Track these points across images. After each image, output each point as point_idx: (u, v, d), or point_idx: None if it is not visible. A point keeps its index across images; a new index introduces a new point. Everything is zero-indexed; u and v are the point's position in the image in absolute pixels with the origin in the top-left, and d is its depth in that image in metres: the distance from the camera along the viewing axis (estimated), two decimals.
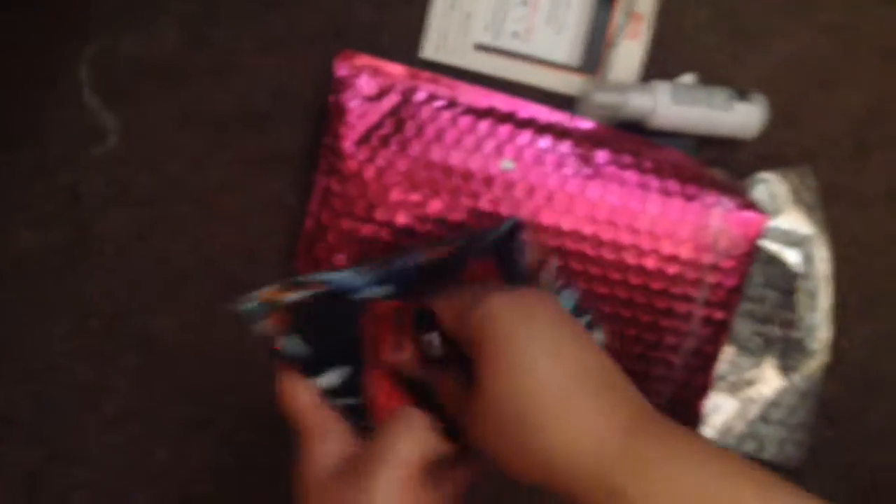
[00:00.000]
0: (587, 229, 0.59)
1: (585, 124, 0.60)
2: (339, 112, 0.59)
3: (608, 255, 0.59)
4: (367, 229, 0.59)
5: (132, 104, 0.62)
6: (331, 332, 0.47)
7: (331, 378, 0.46)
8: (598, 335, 0.58)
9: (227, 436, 0.63)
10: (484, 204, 0.58)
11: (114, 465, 0.63)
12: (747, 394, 0.61)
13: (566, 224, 0.58)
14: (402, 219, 0.58)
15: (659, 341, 0.60)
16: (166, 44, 0.62)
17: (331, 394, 0.46)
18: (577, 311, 0.55)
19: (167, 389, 0.63)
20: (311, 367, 0.46)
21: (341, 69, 0.59)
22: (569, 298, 0.55)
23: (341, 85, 0.59)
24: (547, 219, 0.58)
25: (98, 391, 0.63)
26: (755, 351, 0.61)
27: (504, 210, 0.58)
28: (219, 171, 0.63)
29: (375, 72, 0.59)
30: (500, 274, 0.48)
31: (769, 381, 0.61)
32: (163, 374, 0.63)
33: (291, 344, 0.46)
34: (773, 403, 0.61)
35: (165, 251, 0.63)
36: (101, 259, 0.62)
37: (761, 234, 0.59)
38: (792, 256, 0.61)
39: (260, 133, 0.63)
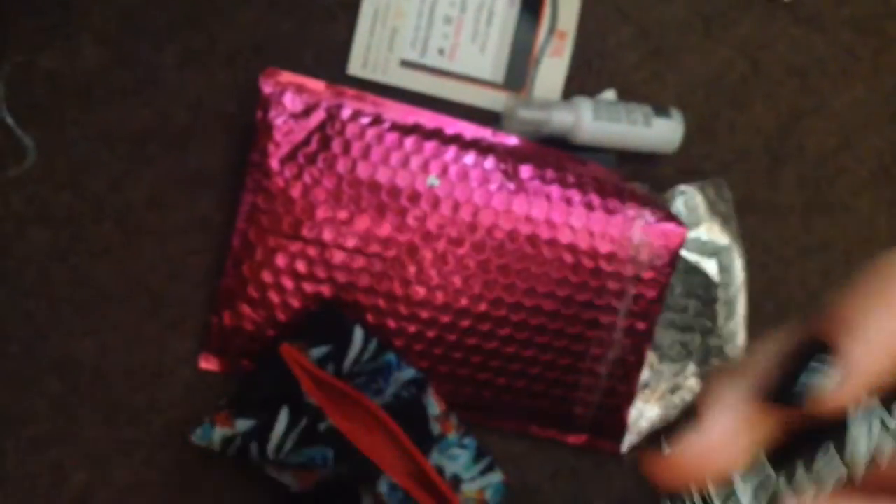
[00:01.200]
0: (513, 244, 0.60)
1: (510, 140, 0.61)
2: (265, 129, 0.58)
3: (534, 268, 0.60)
4: (294, 246, 0.59)
5: (51, 122, 0.61)
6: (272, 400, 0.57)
7: (279, 426, 0.57)
8: (497, 476, 0.60)
9: (151, 457, 0.62)
10: (411, 220, 0.59)
11: (34, 490, 0.61)
12: (670, 400, 0.63)
13: (492, 238, 0.59)
14: (328, 235, 0.59)
15: (585, 351, 0.61)
16: (85, 61, 0.61)
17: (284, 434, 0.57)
18: (479, 455, 0.60)
19: (89, 412, 0.62)
20: (263, 428, 0.56)
21: (267, 86, 0.58)
22: (471, 445, 0.60)
23: (267, 102, 0.58)
24: (474, 233, 0.59)
25: (18, 416, 0.61)
26: (677, 359, 0.63)
27: (431, 226, 0.59)
28: (141, 189, 0.62)
29: (301, 89, 0.59)
30: (403, 427, 0.58)
31: (691, 387, 0.63)
32: (85, 396, 0.62)
33: (241, 425, 0.57)
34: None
35: (87, 272, 0.61)
36: (20, 280, 0.61)
37: (681, 245, 0.61)
38: (710, 266, 0.63)
39: (182, 150, 0.62)
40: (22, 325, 0.61)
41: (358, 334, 0.58)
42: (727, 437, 0.20)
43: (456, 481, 0.59)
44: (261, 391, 0.57)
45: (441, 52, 0.64)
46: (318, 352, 0.58)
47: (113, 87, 0.62)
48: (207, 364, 0.62)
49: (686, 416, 0.20)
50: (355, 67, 0.63)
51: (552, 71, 0.65)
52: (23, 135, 0.61)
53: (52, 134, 0.61)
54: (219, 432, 0.56)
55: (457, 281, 0.59)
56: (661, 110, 0.63)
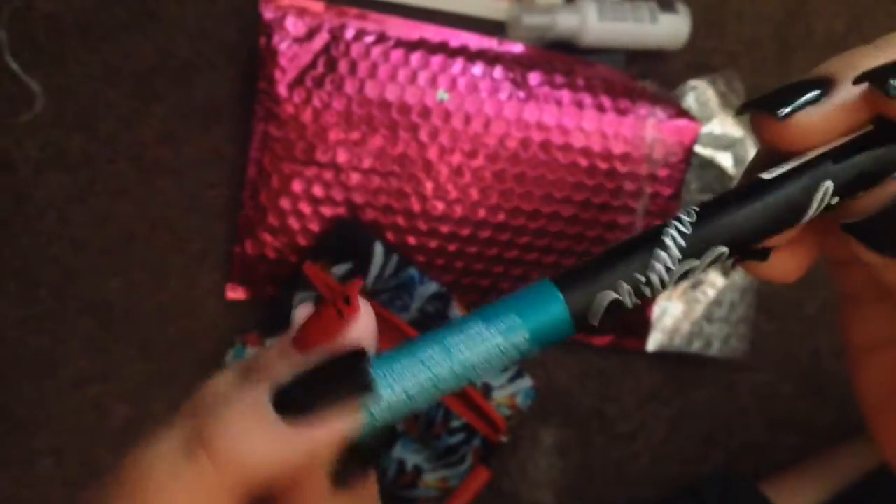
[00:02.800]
0: (526, 152, 0.60)
1: (516, 48, 0.61)
2: (271, 56, 0.58)
3: (550, 174, 0.60)
4: (309, 171, 0.59)
5: (55, 65, 0.61)
6: None
7: None
8: (527, 381, 0.62)
9: (188, 386, 0.64)
10: (423, 136, 0.59)
11: (77, 428, 0.63)
12: (692, 296, 0.64)
13: (505, 148, 0.59)
14: (343, 157, 0.59)
15: None
16: None
17: None
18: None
19: (124, 348, 0.63)
20: None
21: (267, 11, 0.58)
22: None
23: (269, 28, 0.58)
24: (487, 144, 0.59)
25: (55, 358, 0.63)
26: None
27: (444, 140, 0.59)
28: (152, 125, 0.62)
29: (302, 12, 0.58)
30: None
31: (712, 282, 0.64)
32: (118, 334, 0.63)
33: (271, 345, 0.57)
34: (716, 302, 0.64)
35: (108, 211, 0.62)
36: (42, 226, 0.62)
37: (695, 140, 0.61)
38: (725, 159, 0.63)
39: (188, 83, 0.62)
40: (49, 270, 0.62)
41: (378, 249, 0.59)
42: (844, 112, 0.19)
43: (487, 389, 0.61)
44: (288, 311, 0.58)
45: None
46: (340, 269, 0.58)
47: (112, 24, 0.61)
48: (234, 293, 0.63)
49: (807, 85, 0.20)
50: None
51: None
52: (29, 80, 0.60)
53: (58, 77, 0.61)
54: (251, 353, 0.58)
55: (474, 193, 0.60)
56: (667, 5, 0.62)
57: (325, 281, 0.58)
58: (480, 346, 0.19)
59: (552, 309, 0.19)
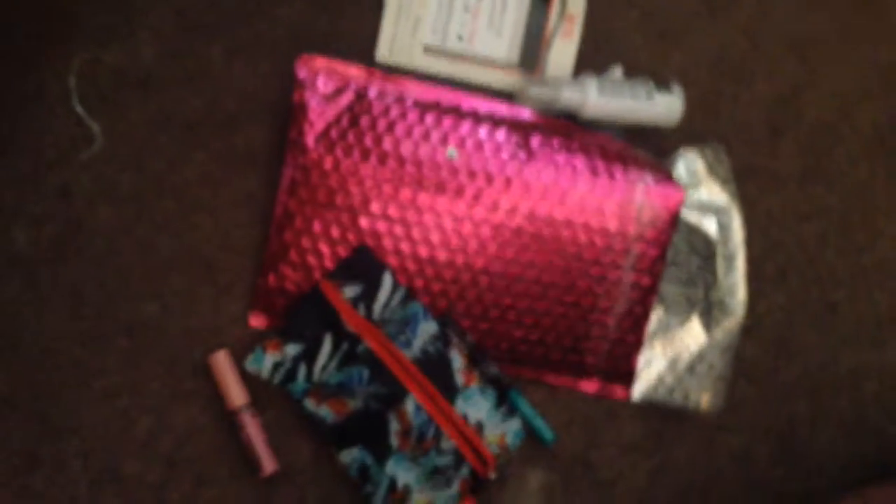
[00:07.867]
0: (524, 207, 0.66)
1: (523, 113, 0.68)
2: (301, 110, 0.66)
3: (545, 229, 0.66)
4: (329, 214, 0.66)
5: (115, 111, 0.69)
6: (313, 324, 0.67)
7: (325, 349, 0.66)
8: (516, 423, 0.67)
9: (206, 405, 0.70)
10: (432, 188, 0.65)
11: (105, 435, 0.69)
12: (676, 350, 0.68)
13: (505, 203, 0.66)
14: (358, 203, 0.65)
15: (594, 305, 0.67)
16: (144, 56, 0.69)
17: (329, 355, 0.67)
18: (500, 402, 0.67)
19: (153, 366, 0.70)
20: (311, 352, 0.66)
21: (301, 71, 0.66)
22: (491, 395, 0.67)
23: (302, 85, 0.66)
24: (488, 199, 0.66)
25: (91, 370, 0.69)
26: (681, 311, 0.68)
27: (450, 193, 0.65)
28: (195, 168, 0.70)
29: (332, 73, 0.66)
30: (430, 379, 0.66)
31: (695, 337, 0.68)
32: (149, 353, 0.70)
33: (291, 349, 0.67)
34: (698, 357, 0.68)
35: (150, 242, 0.69)
36: (91, 252, 0.69)
37: (680, 206, 0.67)
38: (710, 225, 0.68)
39: (230, 133, 0.70)
40: (94, 292, 0.69)
41: (387, 279, 0.65)
42: None
43: (479, 426, 0.65)
44: (306, 321, 0.66)
45: (460, 37, 0.71)
46: (351, 290, 0.65)
47: (168, 79, 0.70)
48: (256, 322, 0.69)
49: None
50: (382, 54, 0.70)
51: (563, 52, 0.71)
52: (91, 122, 0.69)
53: (116, 121, 0.69)
54: (269, 358, 0.65)
55: (474, 244, 0.66)
56: (663, 85, 0.69)
57: (337, 297, 0.65)
58: None
59: None
